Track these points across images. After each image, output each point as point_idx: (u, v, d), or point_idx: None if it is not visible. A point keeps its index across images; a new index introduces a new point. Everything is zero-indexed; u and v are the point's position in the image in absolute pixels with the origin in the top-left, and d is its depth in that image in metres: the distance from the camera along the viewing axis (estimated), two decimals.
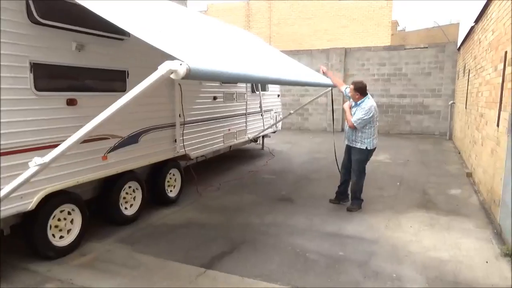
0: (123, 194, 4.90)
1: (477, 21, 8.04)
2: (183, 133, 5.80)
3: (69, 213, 4.16)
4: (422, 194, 6.55)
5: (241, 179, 7.60)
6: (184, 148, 5.86)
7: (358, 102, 5.46)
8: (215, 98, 6.87)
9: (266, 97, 9.40)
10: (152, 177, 5.59)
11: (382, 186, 7.07)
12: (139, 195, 5.16)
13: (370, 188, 6.77)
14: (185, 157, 6.11)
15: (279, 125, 10.69)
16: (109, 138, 4.48)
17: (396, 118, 15.36)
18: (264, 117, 9.18)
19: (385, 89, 15.45)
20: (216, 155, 7.94)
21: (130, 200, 5.05)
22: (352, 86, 5.50)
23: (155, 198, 5.67)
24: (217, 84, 6.98)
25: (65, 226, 4.12)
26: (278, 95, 10.49)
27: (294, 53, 16.97)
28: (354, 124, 5.42)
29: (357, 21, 20.03)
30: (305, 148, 11.41)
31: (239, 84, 7.87)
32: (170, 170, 5.82)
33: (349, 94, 5.60)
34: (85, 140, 3.83)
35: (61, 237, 4.09)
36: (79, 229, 4.23)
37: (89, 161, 4.23)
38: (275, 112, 10.16)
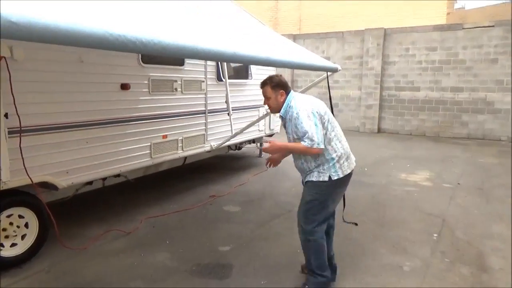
0: None
1: None
2: (20, 147, 3.23)
3: None
4: (478, 270, 3.49)
5: (185, 211, 4.94)
6: (27, 172, 3.29)
7: (285, 111, 2.98)
8: (125, 86, 4.23)
9: (248, 88, 6.61)
10: None
11: (406, 240, 4.08)
12: None
13: (382, 241, 3.86)
14: (47, 186, 3.59)
15: (277, 126, 7.83)
16: None
17: (449, 118, 11.83)
18: (242, 116, 6.39)
19: (435, 80, 11.96)
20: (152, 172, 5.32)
21: None
22: (267, 87, 3.05)
23: None
24: (132, 65, 4.34)
25: None
26: None
27: (321, 37, 13.92)
28: (313, 146, 2.76)
29: None
30: None
31: (188, 68, 5.17)
32: (1, 212, 3.28)
33: (271, 106, 3.08)
34: None
35: None
36: None
37: None
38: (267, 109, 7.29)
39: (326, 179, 2.86)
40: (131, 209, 4.90)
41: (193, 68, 5.28)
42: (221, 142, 5.85)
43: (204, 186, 6.07)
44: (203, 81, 5.50)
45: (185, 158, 5.66)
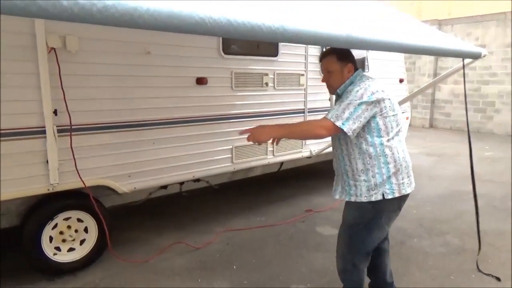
0: None
1: None
2: (71, 147, 2.95)
3: None
4: None
5: (270, 227, 4.21)
6: (80, 176, 3.01)
7: (344, 87, 2.29)
8: (201, 81, 3.70)
9: None
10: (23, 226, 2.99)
11: None
12: None
13: None
14: (108, 190, 3.29)
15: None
16: None
17: None
18: None
19: None
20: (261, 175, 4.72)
21: None
22: (331, 58, 2.32)
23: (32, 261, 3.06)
24: (210, 56, 3.78)
25: None
26: (401, 80, 6.24)
27: (475, 21, 11.43)
28: (335, 122, 2.11)
29: None
30: (458, 168, 6.71)
31: (284, 59, 4.39)
32: (56, 215, 3.08)
33: (332, 84, 2.36)
34: None
35: None
36: None
37: None
38: None
39: (379, 197, 2.18)
40: (209, 219, 4.39)
41: (290, 59, 4.47)
42: (323, 147, 4.91)
43: (302, 197, 5.22)
44: (303, 75, 4.64)
45: (281, 163, 4.92)
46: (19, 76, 2.67)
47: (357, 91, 2.14)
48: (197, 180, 4.07)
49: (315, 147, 4.92)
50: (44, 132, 2.81)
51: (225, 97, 3.95)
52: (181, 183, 4.05)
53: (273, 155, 4.51)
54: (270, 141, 2.25)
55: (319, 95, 4.85)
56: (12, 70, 2.63)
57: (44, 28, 2.70)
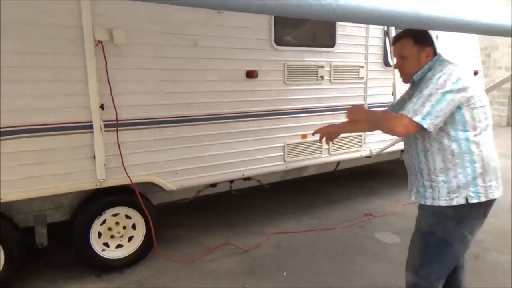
0: None
1: None
2: (118, 142, 2.89)
3: None
4: None
5: (325, 231, 3.92)
6: (126, 171, 2.95)
7: (422, 74, 1.98)
8: (251, 74, 3.50)
9: None
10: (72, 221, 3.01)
11: None
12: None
13: None
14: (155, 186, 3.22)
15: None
16: None
17: None
18: None
19: None
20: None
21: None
22: (406, 41, 2.01)
23: (81, 256, 3.07)
24: (262, 47, 3.56)
25: None
26: (476, 73, 5.57)
27: None
28: (413, 118, 1.76)
29: None
30: None
31: (342, 49, 4.06)
32: (105, 211, 3.05)
33: (407, 70, 2.06)
34: None
35: None
36: None
37: None
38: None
39: (462, 201, 1.84)
40: (259, 220, 4.18)
41: (348, 50, 4.12)
42: (385, 146, 4.49)
43: (360, 199, 4.83)
44: (362, 67, 4.26)
45: (338, 163, 4.58)
46: (66, 70, 2.65)
47: (439, 77, 1.79)
48: (248, 178, 3.88)
49: (376, 145, 4.51)
50: (91, 127, 2.78)
51: (277, 91, 3.71)
52: (231, 181, 3.89)
53: (329, 154, 4.19)
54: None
55: (381, 89, 4.43)
56: (59, 64, 2.62)
57: (91, 21, 2.66)
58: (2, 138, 2.52)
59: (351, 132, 2.28)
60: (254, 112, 3.61)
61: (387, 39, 4.32)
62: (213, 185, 3.75)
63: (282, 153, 3.86)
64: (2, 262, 2.67)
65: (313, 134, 2.37)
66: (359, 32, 4.16)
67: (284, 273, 3.13)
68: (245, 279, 3.05)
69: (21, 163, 2.60)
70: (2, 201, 2.59)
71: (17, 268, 2.75)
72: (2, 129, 2.51)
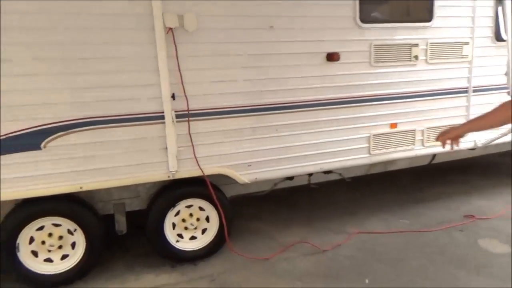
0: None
1: None
2: (189, 133, 2.80)
3: None
4: None
5: (417, 233, 3.46)
6: (198, 163, 2.85)
7: None
8: (332, 57, 3.15)
9: None
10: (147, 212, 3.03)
11: None
12: None
13: None
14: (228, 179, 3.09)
15: None
16: None
17: None
18: None
19: None
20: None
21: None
22: None
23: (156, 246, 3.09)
24: (344, 26, 3.18)
25: None
26: None
27: None
28: None
29: None
30: None
31: (440, 23, 3.47)
32: (178, 202, 3.01)
33: None
34: None
35: None
36: None
37: None
38: None
39: None
40: (340, 217, 3.84)
41: (449, 24, 3.51)
42: (493, 137, 3.79)
43: (460, 198, 4.19)
44: (467, 43, 3.60)
45: (433, 155, 4.02)
46: (137, 60, 2.60)
47: None
48: (328, 171, 3.57)
49: (482, 136, 3.83)
50: (162, 117, 2.72)
51: (362, 75, 3.31)
52: (310, 174, 3.61)
53: (423, 145, 3.66)
54: None
55: (491, 69, 3.73)
56: (129, 54, 2.58)
57: (161, 7, 2.56)
58: (81, 129, 2.57)
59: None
60: (335, 99, 3.26)
61: (500, 8, 3.59)
62: (290, 178, 3.52)
63: (367, 145, 3.46)
64: (84, 248, 2.77)
65: (438, 140, 1.87)
66: (464, 1, 3.51)
67: (366, 280, 2.79)
68: (321, 283, 2.78)
69: (98, 154, 2.64)
70: (83, 189, 2.67)
71: (98, 254, 2.84)
72: (81, 120, 2.56)
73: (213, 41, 2.79)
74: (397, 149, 3.58)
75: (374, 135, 3.45)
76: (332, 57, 3.15)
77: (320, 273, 2.91)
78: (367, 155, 3.48)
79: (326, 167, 3.40)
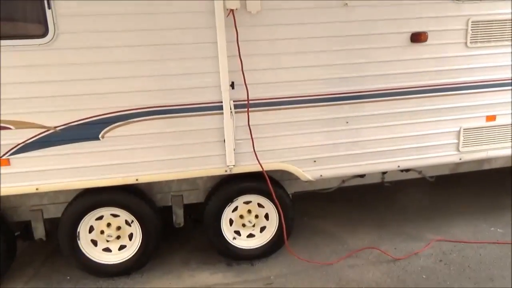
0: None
1: None
2: (249, 125, 2.56)
3: None
4: None
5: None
6: (257, 157, 2.62)
7: None
8: (418, 38, 2.68)
9: None
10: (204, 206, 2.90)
11: None
12: None
13: None
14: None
15: None
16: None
17: None
18: None
19: None
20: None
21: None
22: None
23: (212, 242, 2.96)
24: (435, 1, 2.66)
25: None
26: None
27: None
28: None
29: None
30: None
31: None
32: (236, 197, 2.82)
33: None
34: None
35: None
36: None
37: None
38: None
39: None
40: (418, 221, 3.38)
41: None
42: None
43: None
44: None
45: None
46: (194, 46, 2.41)
47: None
48: (406, 170, 3.13)
49: None
50: (220, 107, 2.51)
51: (455, 58, 2.79)
52: (384, 172, 3.20)
53: None
54: None
55: None
56: (186, 40, 2.38)
57: None
58: (138, 119, 2.47)
59: None
60: (420, 87, 2.80)
61: None
62: (361, 175, 3.15)
63: (456, 141, 2.95)
64: (140, 240, 2.73)
65: None
66: None
67: None
68: None
69: (153, 145, 2.53)
70: (139, 182, 2.59)
71: (154, 247, 2.78)
72: (138, 110, 2.46)
73: (278, 23, 2.48)
74: (494, 146, 3.01)
75: (465, 129, 2.92)
76: (418, 37, 2.68)
77: (391, 286, 2.56)
78: (455, 152, 2.98)
79: (404, 165, 2.97)
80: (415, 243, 3.04)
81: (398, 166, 2.95)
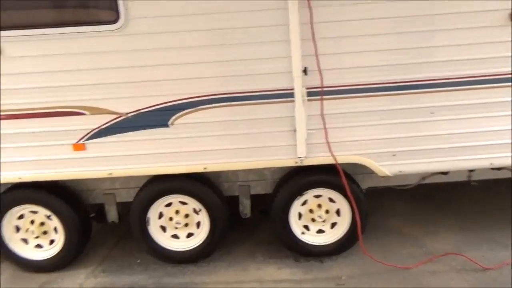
0: None
1: None
2: (322, 114, 2.39)
3: None
4: None
5: None
6: (330, 149, 2.45)
7: None
8: None
9: None
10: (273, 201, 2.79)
11: None
12: None
13: None
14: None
15: None
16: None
17: None
18: None
19: None
20: None
21: None
22: None
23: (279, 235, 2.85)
24: None
25: None
26: None
27: None
28: None
29: None
30: None
31: None
32: (306, 191, 2.67)
33: None
34: None
35: None
36: None
37: None
38: None
39: None
40: (510, 227, 2.98)
41: None
42: None
43: None
44: None
45: None
46: (265, 28, 2.28)
47: None
48: (497, 168, 2.76)
49: None
50: (292, 95, 2.37)
51: None
52: (471, 169, 2.86)
53: None
54: None
55: None
56: (257, 23, 2.26)
57: None
58: (207, 106, 2.42)
59: None
60: None
61: None
62: (445, 172, 2.83)
63: None
64: (208, 229, 2.70)
65: None
66: None
67: None
68: None
69: (222, 133, 2.47)
70: (206, 170, 2.55)
71: (221, 236, 2.74)
72: (208, 97, 2.40)
73: (356, 2, 2.27)
74: None
75: None
76: None
77: None
78: None
79: (498, 163, 2.61)
80: (507, 251, 2.68)
81: (491, 164, 2.59)
